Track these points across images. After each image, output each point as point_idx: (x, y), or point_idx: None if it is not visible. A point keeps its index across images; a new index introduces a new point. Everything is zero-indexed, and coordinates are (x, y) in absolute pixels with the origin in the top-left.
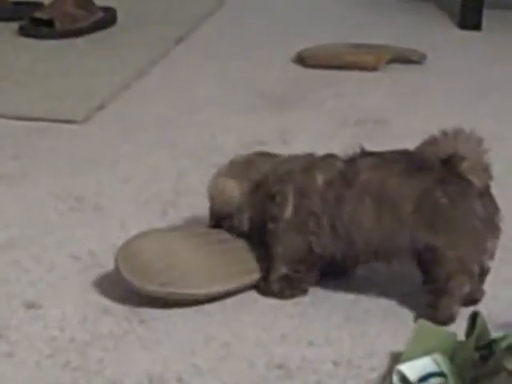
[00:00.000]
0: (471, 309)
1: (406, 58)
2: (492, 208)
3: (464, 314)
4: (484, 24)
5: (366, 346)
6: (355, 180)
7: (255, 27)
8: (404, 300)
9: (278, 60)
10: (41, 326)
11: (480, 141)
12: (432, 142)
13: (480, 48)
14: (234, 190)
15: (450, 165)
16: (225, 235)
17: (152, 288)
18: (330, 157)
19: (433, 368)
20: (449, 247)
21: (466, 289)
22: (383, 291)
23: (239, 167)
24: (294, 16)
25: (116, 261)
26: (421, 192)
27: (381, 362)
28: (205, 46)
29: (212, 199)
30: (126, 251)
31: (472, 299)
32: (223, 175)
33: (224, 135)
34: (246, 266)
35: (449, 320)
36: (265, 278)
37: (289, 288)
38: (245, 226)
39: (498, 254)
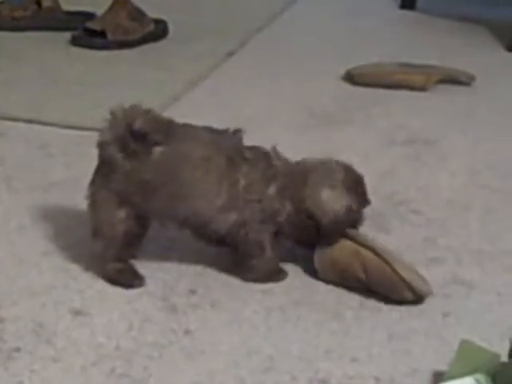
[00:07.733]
0: None
1: (454, 79)
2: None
3: (506, 335)
4: None
5: (409, 363)
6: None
7: (305, 44)
8: (447, 320)
9: (327, 77)
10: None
11: None
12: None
13: None
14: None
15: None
16: None
17: None
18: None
19: None
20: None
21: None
22: (426, 310)
23: None
24: (344, 34)
25: None
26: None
27: (423, 381)
28: (255, 61)
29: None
30: None
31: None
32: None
33: None
34: None
35: None
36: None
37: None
38: None
39: None
